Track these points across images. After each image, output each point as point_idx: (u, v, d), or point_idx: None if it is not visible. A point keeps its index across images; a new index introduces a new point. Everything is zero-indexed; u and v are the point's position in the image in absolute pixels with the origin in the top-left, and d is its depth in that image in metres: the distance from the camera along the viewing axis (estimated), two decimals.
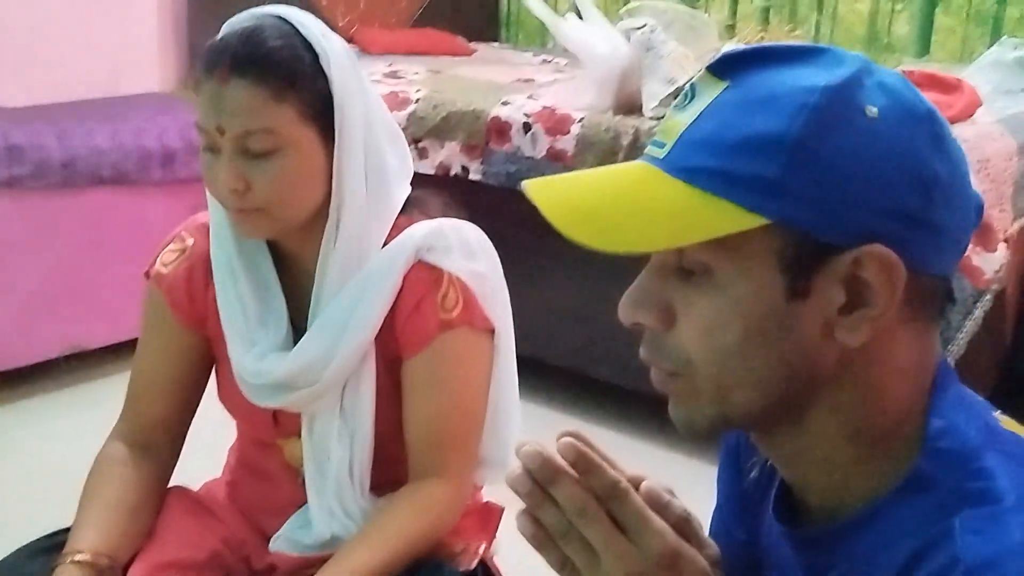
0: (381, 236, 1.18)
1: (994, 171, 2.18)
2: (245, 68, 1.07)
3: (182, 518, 1.26)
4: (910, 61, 3.27)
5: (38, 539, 1.22)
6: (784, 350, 0.65)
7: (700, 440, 0.72)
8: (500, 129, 2.62)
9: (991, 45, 3.05)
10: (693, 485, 0.97)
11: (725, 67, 0.67)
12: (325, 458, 1.20)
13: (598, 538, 0.65)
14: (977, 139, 2.19)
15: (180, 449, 1.29)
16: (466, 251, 1.20)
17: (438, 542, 1.19)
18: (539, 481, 0.66)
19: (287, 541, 1.24)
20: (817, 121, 0.62)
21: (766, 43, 0.68)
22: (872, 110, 0.63)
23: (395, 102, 2.79)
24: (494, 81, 3.04)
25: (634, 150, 2.36)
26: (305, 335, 1.19)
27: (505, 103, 2.67)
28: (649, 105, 2.47)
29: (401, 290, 1.17)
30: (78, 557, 1.12)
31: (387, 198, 1.20)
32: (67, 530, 1.20)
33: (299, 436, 1.23)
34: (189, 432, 1.30)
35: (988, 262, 2.07)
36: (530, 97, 2.71)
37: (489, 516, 1.33)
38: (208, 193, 1.18)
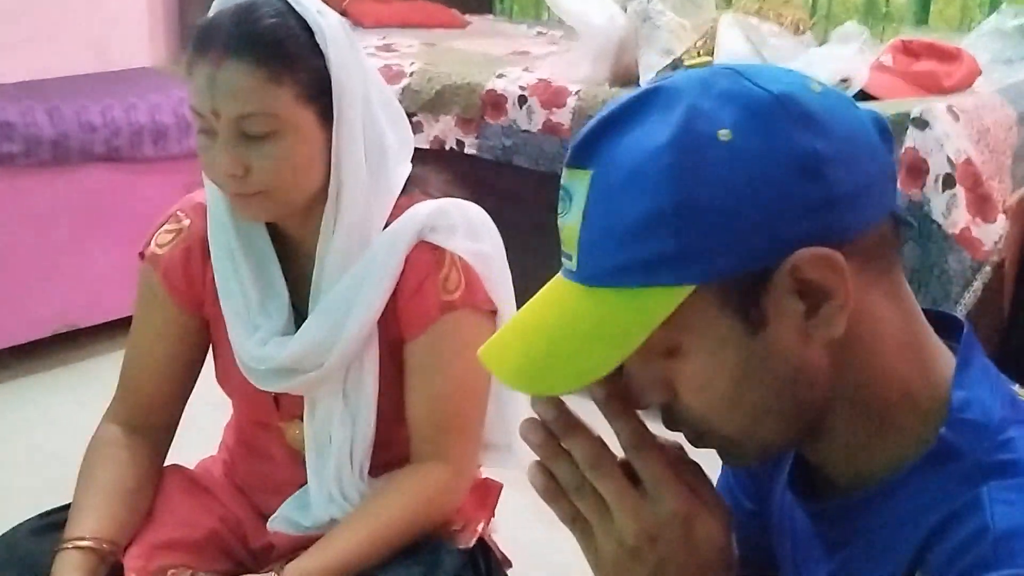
0: (382, 217, 1.16)
1: (993, 141, 2.16)
2: (240, 49, 1.04)
3: (179, 497, 1.25)
4: (909, 30, 3.24)
5: (33, 517, 1.21)
6: (778, 374, 0.65)
7: None
8: (495, 102, 2.60)
9: (990, 13, 3.02)
10: (700, 452, 0.97)
11: (581, 156, 0.66)
12: (326, 441, 1.19)
13: (611, 493, 0.65)
14: (976, 109, 2.17)
15: (175, 430, 1.28)
16: (469, 231, 1.18)
17: (436, 522, 1.19)
18: (554, 432, 0.66)
19: (285, 521, 1.23)
20: (680, 178, 0.61)
21: (604, 113, 0.66)
22: (724, 133, 0.61)
23: (389, 75, 2.76)
24: (489, 54, 3.02)
25: None
26: (308, 319, 1.17)
27: (500, 76, 2.64)
28: (646, 76, 2.45)
29: (403, 271, 1.15)
30: (80, 543, 1.12)
31: (387, 178, 1.17)
32: (62, 508, 1.20)
33: (301, 419, 1.22)
34: (184, 412, 1.29)
35: (987, 233, 2.05)
36: (525, 70, 2.69)
37: (488, 493, 1.32)
38: (205, 175, 1.15)
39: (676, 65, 2.42)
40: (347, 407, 1.19)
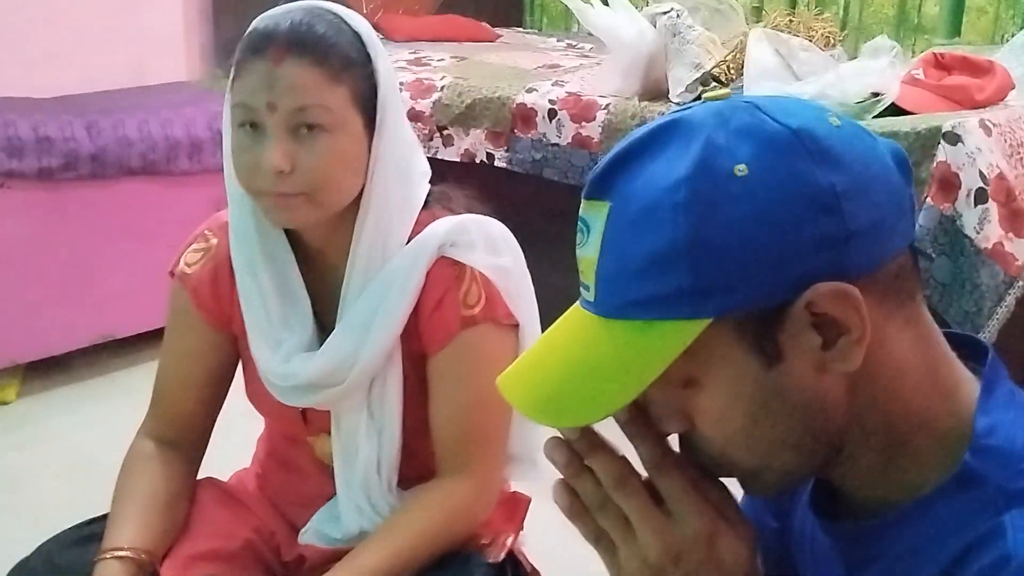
0: (405, 232, 1.18)
1: None
2: (302, 49, 1.07)
3: (213, 509, 1.27)
4: (941, 42, 3.22)
5: (72, 528, 1.24)
6: (795, 407, 0.65)
7: None
8: (525, 116, 2.61)
9: (1023, 26, 3.00)
10: None
11: (600, 188, 0.66)
12: (354, 454, 1.21)
13: (635, 511, 0.66)
14: (1009, 123, 2.15)
15: (207, 444, 1.30)
16: (489, 246, 1.19)
17: (463, 536, 1.19)
18: (577, 451, 0.66)
19: (316, 534, 1.24)
20: (696, 214, 0.61)
21: (622, 146, 0.67)
22: (740, 169, 0.61)
23: (420, 89, 2.79)
24: (519, 67, 3.03)
25: None
26: (331, 336, 1.19)
27: (530, 90, 2.66)
28: (675, 91, 2.45)
29: (424, 286, 1.17)
30: (119, 553, 1.13)
31: (411, 194, 1.20)
32: (100, 519, 1.22)
33: (329, 433, 1.23)
34: (218, 422, 1.31)
35: (1020, 248, 2.03)
36: (555, 83, 2.70)
37: (516, 507, 1.33)
38: (230, 187, 1.17)
39: (705, 80, 2.43)
40: (372, 421, 1.20)
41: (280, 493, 1.33)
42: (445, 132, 2.74)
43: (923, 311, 0.68)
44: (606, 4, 2.63)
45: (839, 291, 0.61)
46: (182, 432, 1.27)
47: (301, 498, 1.29)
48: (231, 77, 1.11)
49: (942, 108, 2.19)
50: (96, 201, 2.64)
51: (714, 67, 2.42)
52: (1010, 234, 2.03)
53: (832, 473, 0.71)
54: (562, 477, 0.68)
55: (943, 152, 2.01)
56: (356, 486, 1.21)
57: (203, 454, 1.30)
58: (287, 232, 1.19)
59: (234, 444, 1.40)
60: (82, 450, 2.39)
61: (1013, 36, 2.90)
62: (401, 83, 2.81)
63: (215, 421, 1.30)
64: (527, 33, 4.09)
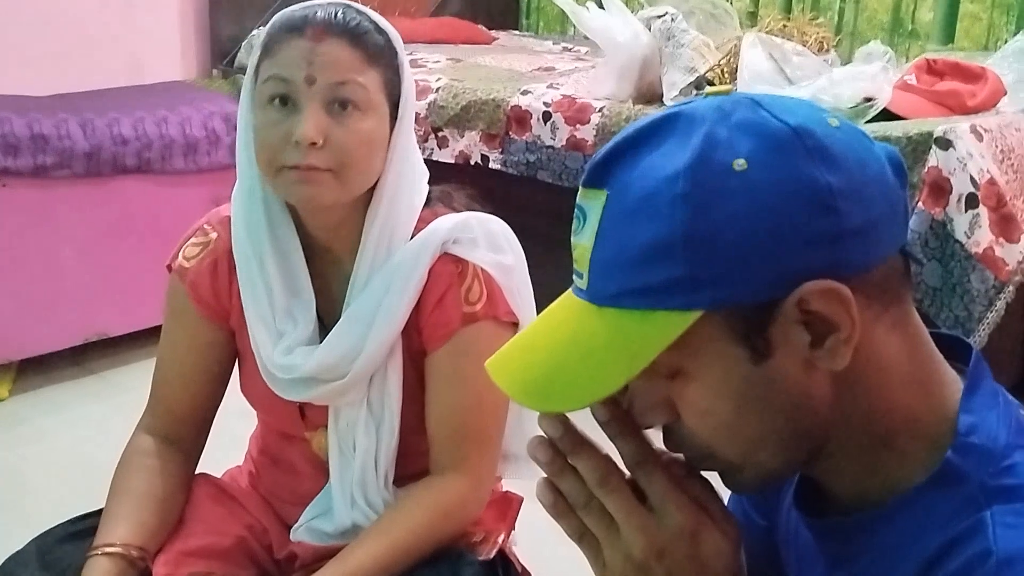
0: (409, 228, 1.19)
1: (1018, 161, 2.16)
2: (340, 31, 1.11)
3: (207, 505, 1.27)
4: (934, 47, 3.23)
5: (65, 523, 1.24)
6: (780, 403, 0.66)
7: None
8: (520, 118, 2.62)
9: (1017, 32, 3.01)
10: None
11: (597, 176, 0.67)
12: (350, 449, 1.21)
13: (619, 509, 0.66)
14: (1000, 129, 2.17)
15: (205, 440, 1.31)
16: (492, 244, 1.20)
17: (454, 534, 1.20)
18: (561, 450, 0.67)
19: (308, 530, 1.25)
20: (694, 206, 0.62)
21: (622, 135, 0.67)
22: (740, 163, 0.62)
23: (416, 91, 2.79)
24: (514, 70, 3.04)
25: None
26: (333, 329, 1.19)
27: (525, 92, 2.66)
28: (669, 94, 2.46)
29: (427, 282, 1.17)
30: (110, 550, 1.13)
31: (417, 191, 1.21)
32: (94, 514, 1.22)
33: (326, 428, 1.24)
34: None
35: (1011, 253, 2.05)
36: (550, 86, 2.71)
37: (508, 505, 1.33)
38: (242, 173, 1.18)
39: (699, 83, 2.44)
40: (371, 416, 1.20)
41: (273, 491, 1.33)
42: (440, 133, 2.74)
43: (912, 313, 0.69)
44: (601, 7, 2.65)
45: (830, 289, 0.62)
46: (180, 428, 1.27)
47: (294, 496, 1.29)
48: (257, 58, 1.13)
49: (934, 113, 2.20)
50: (90, 199, 2.64)
51: (708, 71, 2.43)
52: (1000, 239, 2.05)
53: (816, 470, 0.71)
54: (545, 476, 0.68)
55: (935, 157, 2.02)
56: (351, 480, 1.21)
57: (201, 451, 1.30)
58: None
59: (226, 441, 1.41)
60: (74, 448, 2.39)
61: (1006, 42, 2.92)
62: None
63: (213, 418, 1.31)
64: (523, 35, 4.10)
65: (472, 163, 2.70)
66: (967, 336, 2.01)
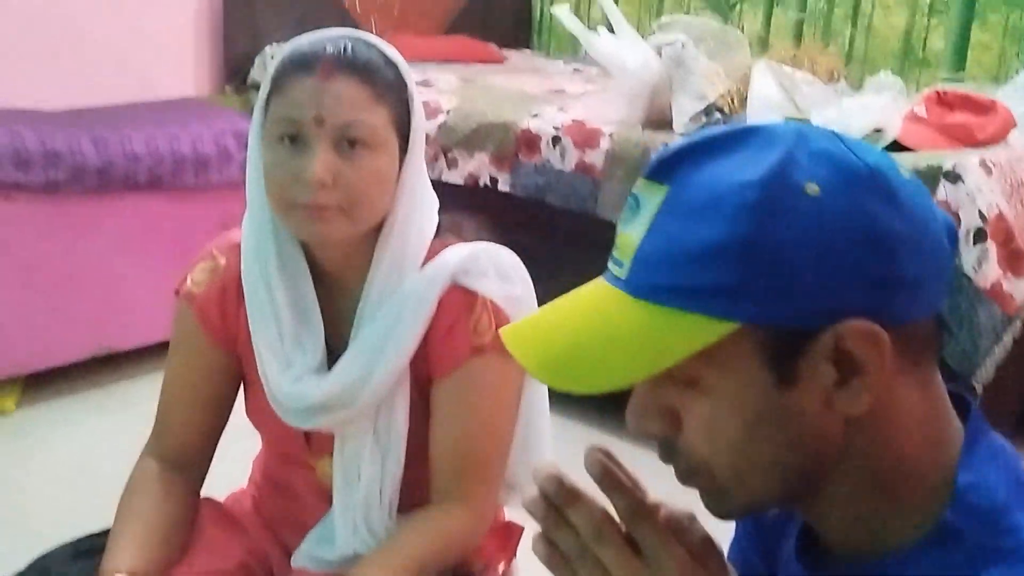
0: (419, 258, 1.20)
1: None
2: (349, 68, 1.10)
3: (210, 529, 1.28)
4: (945, 76, 3.24)
5: (67, 545, 1.24)
6: (790, 433, 0.65)
7: None
8: (530, 141, 2.63)
9: None
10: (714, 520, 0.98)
11: (662, 171, 0.66)
12: (355, 476, 1.21)
13: (613, 561, 0.66)
14: (1010, 163, 2.17)
15: (209, 464, 1.31)
16: (501, 275, 1.21)
17: (455, 563, 1.20)
18: (555, 504, 0.66)
19: (309, 557, 1.25)
20: (760, 218, 0.62)
21: (696, 137, 0.67)
22: (813, 188, 0.62)
23: (426, 112, 2.79)
24: (525, 91, 3.05)
25: None
26: (343, 357, 1.19)
27: (535, 115, 2.67)
28: (679, 121, 2.47)
29: (436, 313, 1.18)
30: (116, 575, 1.14)
31: (427, 221, 1.22)
32: (98, 535, 1.22)
33: (331, 455, 1.24)
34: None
35: (1018, 288, 2.05)
36: (560, 109, 2.71)
37: (510, 534, 1.34)
38: (252, 203, 1.19)
39: (709, 110, 2.45)
40: (377, 444, 1.20)
41: (275, 516, 1.33)
42: (450, 155, 2.75)
43: (936, 376, 0.69)
44: (611, 31, 2.66)
45: (870, 332, 0.62)
46: (185, 454, 1.28)
47: (296, 522, 1.29)
48: (265, 94, 1.14)
49: (944, 146, 2.21)
50: (101, 215, 2.65)
51: (718, 98, 2.44)
52: (1008, 274, 2.05)
53: (811, 512, 0.71)
54: (541, 530, 0.68)
55: (943, 191, 2.02)
56: (355, 508, 1.21)
57: (205, 474, 1.31)
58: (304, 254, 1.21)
59: (230, 463, 1.41)
60: (80, 462, 2.39)
61: (1018, 72, 2.92)
62: None
63: (216, 443, 1.31)
64: (535, 55, 4.11)
65: (481, 185, 2.70)
66: (974, 370, 2.01)
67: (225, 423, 1.31)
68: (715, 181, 0.64)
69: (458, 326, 1.18)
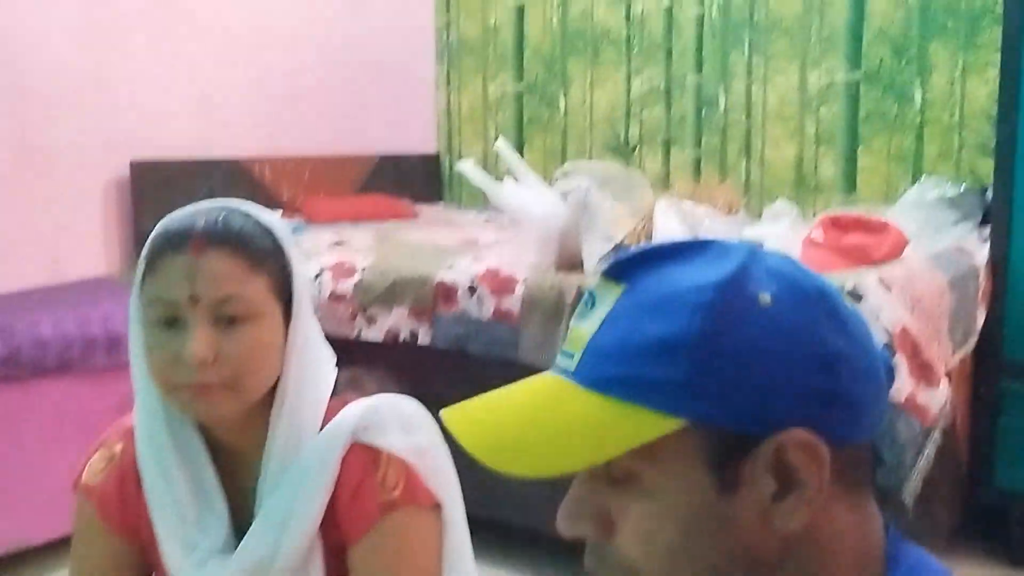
0: (317, 420, 1.17)
1: (928, 307, 2.23)
2: (220, 241, 1.09)
3: None
4: (838, 199, 3.39)
5: None
6: (725, 543, 0.65)
7: None
8: (446, 293, 2.65)
9: (914, 181, 3.18)
10: None
11: (619, 271, 0.69)
12: None
13: None
14: (908, 278, 2.25)
15: None
16: (403, 426, 1.19)
17: None
18: None
19: None
20: (713, 318, 0.64)
21: (654, 244, 0.70)
22: (765, 298, 0.64)
23: (341, 272, 2.82)
24: (439, 244, 3.10)
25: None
26: (247, 535, 1.15)
27: (450, 267, 2.70)
28: (590, 262, 2.52)
29: (340, 474, 1.15)
30: None
31: (322, 381, 1.20)
32: None
33: None
34: None
35: (932, 398, 2.09)
36: (474, 259, 2.75)
37: None
38: (138, 386, 1.16)
39: (618, 248, 2.51)
40: None
41: None
42: (368, 312, 2.75)
43: (871, 503, 0.70)
44: (517, 182, 2.73)
45: (810, 443, 0.63)
46: None
47: None
48: (140, 275, 1.12)
49: (842, 267, 2.29)
50: (8, 403, 2.57)
51: (625, 237, 2.50)
52: (921, 384, 2.09)
53: None
54: None
55: None
56: None
57: None
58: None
59: None
60: None
61: (905, 191, 3.08)
62: (323, 266, 2.84)
63: None
64: (447, 207, 4.20)
65: (401, 340, 2.70)
66: (901, 484, 2.03)
67: None
68: (671, 281, 0.66)
69: (364, 486, 1.15)
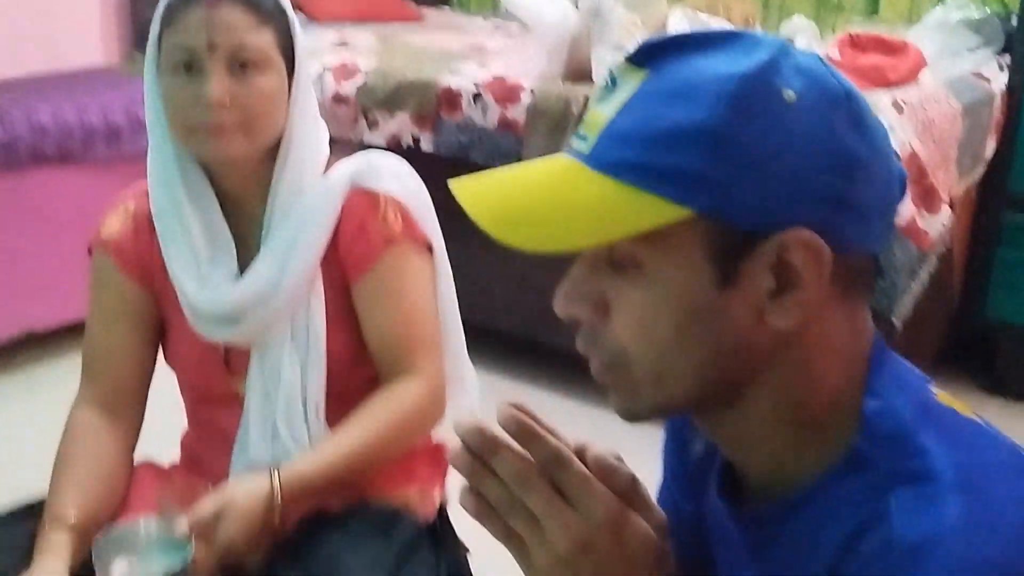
0: (318, 171, 1.28)
1: (938, 133, 2.20)
2: None
3: (150, 485, 1.29)
4: (859, 20, 3.28)
5: (12, 509, 1.24)
6: (718, 337, 0.66)
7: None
8: (451, 99, 2.60)
9: (938, 2, 3.06)
10: (643, 448, 0.99)
11: (644, 56, 0.67)
12: (275, 382, 1.25)
13: (541, 508, 0.66)
14: (922, 101, 2.21)
15: (143, 411, 1.33)
16: (395, 174, 1.30)
17: (420, 433, 1.26)
18: (479, 455, 0.66)
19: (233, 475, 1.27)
20: (736, 110, 0.63)
21: (681, 33, 0.68)
22: (790, 95, 0.63)
23: (344, 73, 2.76)
24: (444, 49, 3.02)
25: None
26: (254, 262, 1.25)
27: (455, 72, 2.65)
28: (599, 71, 2.46)
29: (342, 216, 1.26)
30: (63, 524, 1.16)
31: (322, 139, 1.30)
32: (34, 505, 1.23)
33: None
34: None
35: (932, 224, 2.10)
36: (480, 66, 2.69)
37: (439, 455, 1.37)
38: (153, 133, 1.25)
39: None
40: (296, 349, 1.26)
41: (211, 464, 1.33)
42: (370, 116, 2.71)
43: (866, 313, 0.70)
44: None
45: (814, 244, 0.63)
46: (119, 398, 1.29)
47: (227, 467, 1.30)
48: (157, 30, 1.21)
49: (856, 87, 2.23)
50: (9, 191, 2.57)
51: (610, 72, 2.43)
52: (922, 210, 2.09)
53: (729, 443, 0.72)
54: (468, 483, 0.67)
55: None
56: (274, 412, 1.25)
57: (141, 420, 1.32)
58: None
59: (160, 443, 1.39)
60: (5, 447, 2.33)
61: (928, 14, 2.97)
62: (325, 67, 2.78)
63: (148, 386, 1.33)
64: (453, 12, 4.06)
65: (404, 146, 2.67)
66: (892, 307, 2.06)
67: (154, 366, 1.33)
68: (697, 70, 0.64)
69: (367, 223, 1.25)
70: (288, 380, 1.24)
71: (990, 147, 2.56)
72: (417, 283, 1.28)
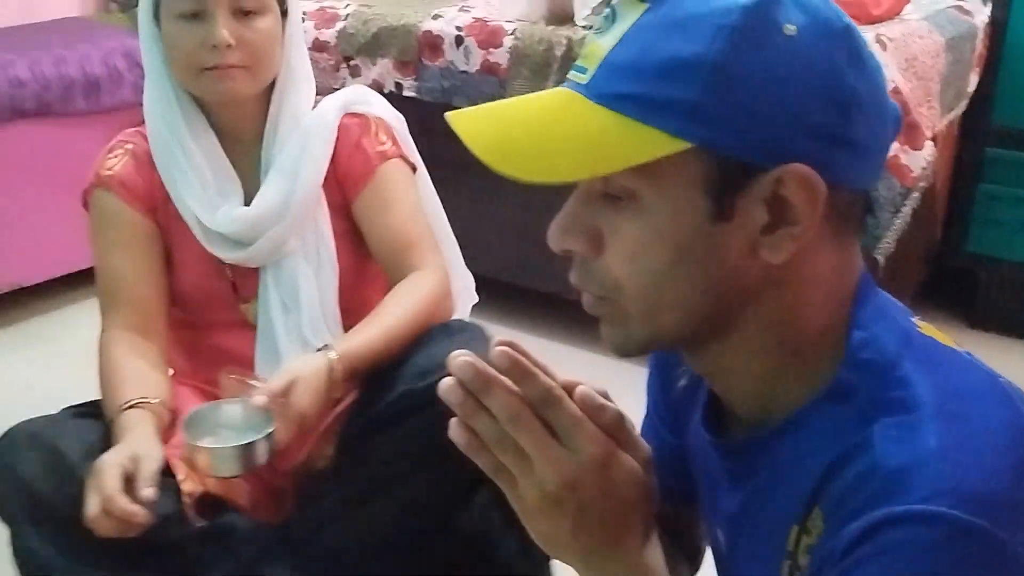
0: (310, 103, 1.41)
1: (921, 68, 2.20)
2: None
3: (194, 400, 1.35)
4: None
5: (70, 407, 1.30)
6: (710, 271, 0.67)
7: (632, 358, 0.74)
8: (432, 43, 2.58)
9: None
10: (629, 387, 1.00)
11: None
12: (293, 296, 1.34)
13: (531, 444, 0.67)
14: (904, 37, 2.21)
15: (167, 336, 1.38)
16: (380, 103, 1.46)
17: (440, 318, 1.34)
18: (472, 391, 0.67)
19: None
20: (735, 42, 0.63)
21: None
22: (790, 28, 0.63)
23: (323, 19, 2.72)
24: None
25: (567, 61, 2.34)
26: (264, 182, 1.36)
27: (436, 16, 2.62)
28: (581, 14, 2.44)
29: (338, 138, 1.38)
30: (136, 402, 1.21)
31: (311, 78, 1.43)
32: (86, 404, 1.30)
33: (258, 298, 1.36)
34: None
35: (915, 160, 2.10)
36: (461, 9, 2.66)
37: None
38: (151, 75, 1.33)
39: (609, 1, 2.42)
40: (309, 262, 1.36)
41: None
42: (352, 62, 2.69)
43: (856, 251, 0.71)
44: None
45: (810, 179, 0.64)
46: (146, 319, 1.35)
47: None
48: None
49: None
50: None
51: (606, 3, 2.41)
52: (905, 146, 2.10)
53: (715, 373, 0.73)
54: (459, 417, 0.68)
55: None
56: (299, 323, 1.33)
57: (167, 346, 1.37)
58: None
59: None
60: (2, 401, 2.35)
61: None
62: (304, 12, 2.74)
63: (168, 311, 1.38)
64: None
65: (386, 92, 2.65)
66: (875, 242, 2.08)
67: (169, 293, 1.38)
68: (696, 2, 0.65)
69: (362, 141, 1.39)
70: (307, 292, 1.33)
71: (973, 81, 2.56)
72: (410, 193, 1.41)
